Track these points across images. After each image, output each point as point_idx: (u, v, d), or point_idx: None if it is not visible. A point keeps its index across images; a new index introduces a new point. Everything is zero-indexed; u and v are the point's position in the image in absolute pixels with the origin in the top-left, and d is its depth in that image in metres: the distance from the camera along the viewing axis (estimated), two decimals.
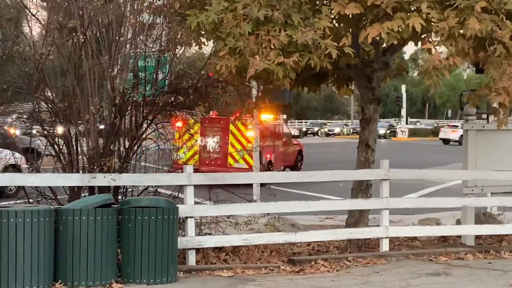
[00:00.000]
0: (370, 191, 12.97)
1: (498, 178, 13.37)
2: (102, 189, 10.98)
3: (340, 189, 20.90)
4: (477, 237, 13.98)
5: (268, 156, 28.76)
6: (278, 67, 10.33)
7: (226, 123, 26.24)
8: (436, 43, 10.69)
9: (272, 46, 10.39)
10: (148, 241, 9.88)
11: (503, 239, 14.09)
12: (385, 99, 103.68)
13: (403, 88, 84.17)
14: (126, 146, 11.51)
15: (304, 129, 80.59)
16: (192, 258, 11.12)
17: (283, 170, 30.32)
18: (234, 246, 11.87)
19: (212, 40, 11.64)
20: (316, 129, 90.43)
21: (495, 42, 10.48)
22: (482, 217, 14.70)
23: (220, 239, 11.59)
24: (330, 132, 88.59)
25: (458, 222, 15.49)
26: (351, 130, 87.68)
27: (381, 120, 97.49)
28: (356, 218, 12.95)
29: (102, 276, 9.68)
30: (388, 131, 79.69)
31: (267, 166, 28.16)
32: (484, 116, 15.37)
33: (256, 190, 17.39)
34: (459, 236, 14.09)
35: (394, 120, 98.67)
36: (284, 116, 34.85)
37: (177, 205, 10.54)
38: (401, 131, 79.89)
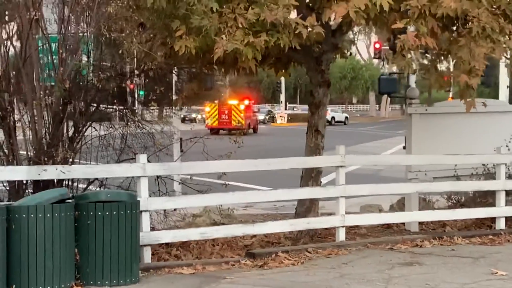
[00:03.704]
0: (320, 178, 12.45)
1: (448, 162, 13.10)
2: (47, 183, 9.94)
3: (259, 177, 20.22)
4: (420, 223, 13.71)
5: (249, 121, 55.12)
6: (246, 47, 9.61)
7: (230, 105, 53.26)
8: (405, 22, 10.24)
9: (240, 25, 9.65)
10: (110, 239, 9.03)
11: (445, 224, 13.89)
12: (259, 85, 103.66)
13: None
14: (70, 135, 10.46)
15: (182, 116, 78.22)
16: (147, 255, 10.26)
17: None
18: (184, 240, 11.07)
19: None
20: (193, 115, 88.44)
21: (468, 22, 10.13)
22: (422, 202, 14.49)
23: (177, 233, 10.75)
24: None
25: (392, 208, 15.28)
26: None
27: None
28: (307, 207, 12.39)
29: (61, 278, 8.75)
30: (267, 117, 79.49)
31: (247, 127, 53.36)
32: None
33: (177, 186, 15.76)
34: (403, 223, 13.78)
35: (269, 105, 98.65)
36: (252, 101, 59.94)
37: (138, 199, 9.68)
38: (281, 116, 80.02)
